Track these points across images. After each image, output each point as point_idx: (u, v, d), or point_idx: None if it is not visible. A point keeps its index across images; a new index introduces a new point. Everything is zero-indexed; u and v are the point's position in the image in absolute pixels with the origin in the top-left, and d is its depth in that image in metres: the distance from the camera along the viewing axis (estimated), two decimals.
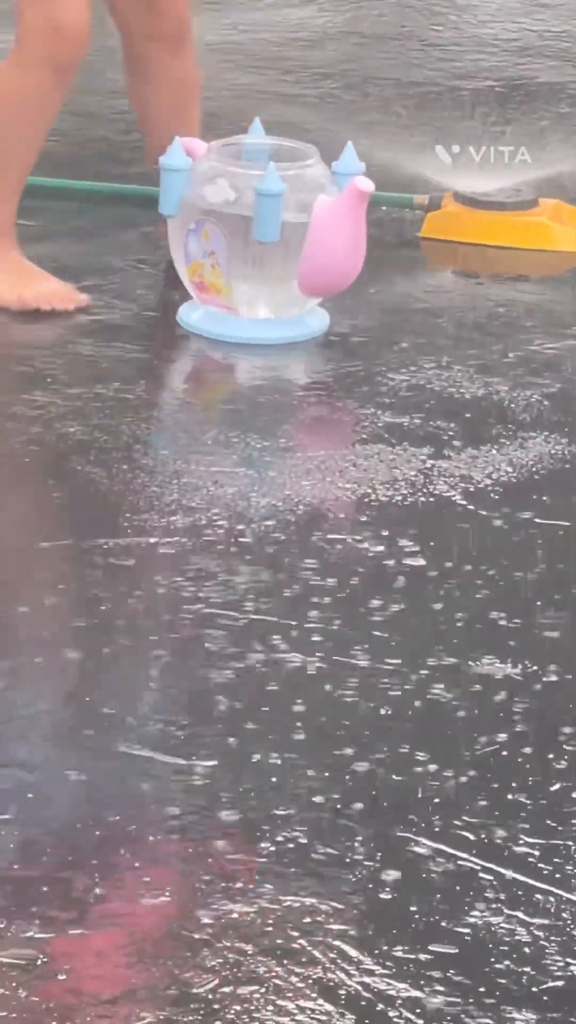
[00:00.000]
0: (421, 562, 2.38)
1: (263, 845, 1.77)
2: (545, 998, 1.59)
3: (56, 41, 3.02)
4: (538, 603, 2.32)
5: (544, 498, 2.58)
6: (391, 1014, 1.53)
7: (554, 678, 2.14)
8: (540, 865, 1.77)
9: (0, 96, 3.17)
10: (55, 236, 3.42)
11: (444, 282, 3.46)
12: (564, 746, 2.00)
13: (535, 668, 2.16)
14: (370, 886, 1.71)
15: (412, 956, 1.62)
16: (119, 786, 1.92)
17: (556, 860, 1.77)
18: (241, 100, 4.19)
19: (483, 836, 1.82)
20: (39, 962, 1.61)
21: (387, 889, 1.71)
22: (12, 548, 2.43)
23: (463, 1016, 1.54)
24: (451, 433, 2.77)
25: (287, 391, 2.96)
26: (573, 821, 1.86)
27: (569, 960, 1.64)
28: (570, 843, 1.81)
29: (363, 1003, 1.54)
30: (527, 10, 5.13)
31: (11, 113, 3.14)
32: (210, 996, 1.55)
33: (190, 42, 3.27)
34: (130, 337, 3.08)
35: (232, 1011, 1.53)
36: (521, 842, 1.82)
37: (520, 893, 1.72)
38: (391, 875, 1.73)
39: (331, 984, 1.57)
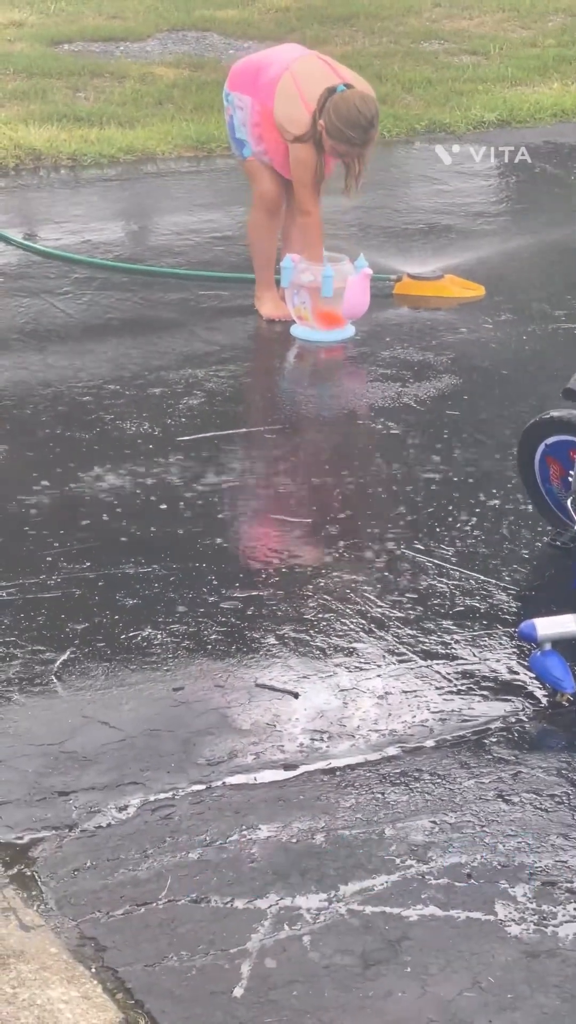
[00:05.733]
0: None
1: None
2: None
3: (268, 201, 5.43)
4: None
5: None
6: None
7: None
8: None
9: (254, 223, 5.49)
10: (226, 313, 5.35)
11: (402, 312, 5.43)
12: None
13: None
14: None
15: None
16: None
17: None
18: None
19: None
20: None
21: None
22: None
23: None
24: None
25: (336, 359, 5.03)
26: None
27: None
28: None
29: None
30: None
31: (259, 232, 5.48)
32: None
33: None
34: (269, 340, 5.25)
35: None
36: None
37: None
38: None
39: None
